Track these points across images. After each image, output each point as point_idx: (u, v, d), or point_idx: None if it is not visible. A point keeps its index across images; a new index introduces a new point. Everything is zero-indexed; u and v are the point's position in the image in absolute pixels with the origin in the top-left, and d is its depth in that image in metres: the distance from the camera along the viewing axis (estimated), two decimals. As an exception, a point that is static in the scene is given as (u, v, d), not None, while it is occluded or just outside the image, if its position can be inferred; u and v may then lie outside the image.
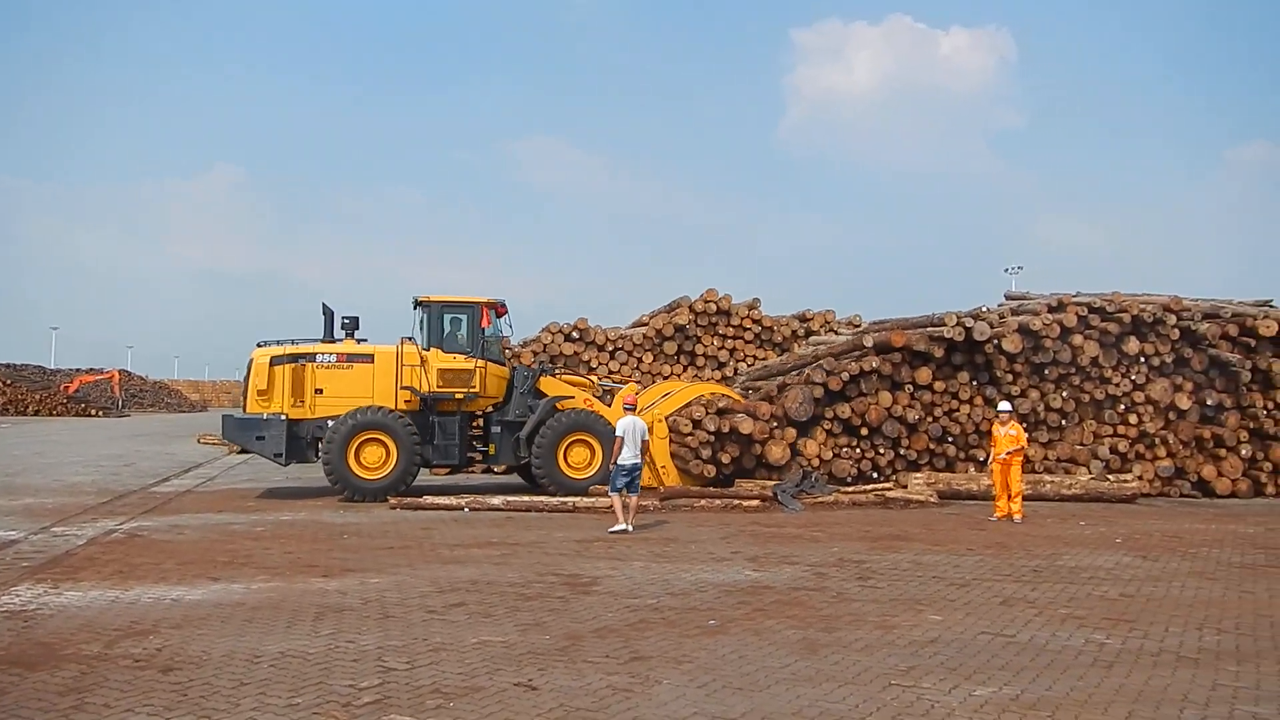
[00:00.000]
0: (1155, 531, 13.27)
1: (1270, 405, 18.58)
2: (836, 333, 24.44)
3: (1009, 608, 8.33)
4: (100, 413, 61.63)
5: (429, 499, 15.06)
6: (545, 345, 25.44)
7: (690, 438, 16.43)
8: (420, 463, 16.08)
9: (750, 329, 26.49)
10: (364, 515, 14.15)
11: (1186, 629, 7.66)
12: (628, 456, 12.72)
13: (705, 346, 26.12)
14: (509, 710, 5.52)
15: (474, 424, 17.11)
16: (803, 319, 26.99)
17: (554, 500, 15.00)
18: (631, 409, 13.43)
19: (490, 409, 17.00)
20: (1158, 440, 18.28)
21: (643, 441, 12.97)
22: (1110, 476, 17.35)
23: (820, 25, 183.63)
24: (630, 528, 12.57)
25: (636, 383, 24.20)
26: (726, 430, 16.43)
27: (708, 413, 16.67)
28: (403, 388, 16.23)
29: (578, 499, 15.17)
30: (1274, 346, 18.79)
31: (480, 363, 16.43)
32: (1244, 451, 18.32)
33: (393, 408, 16.06)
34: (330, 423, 15.86)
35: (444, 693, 5.83)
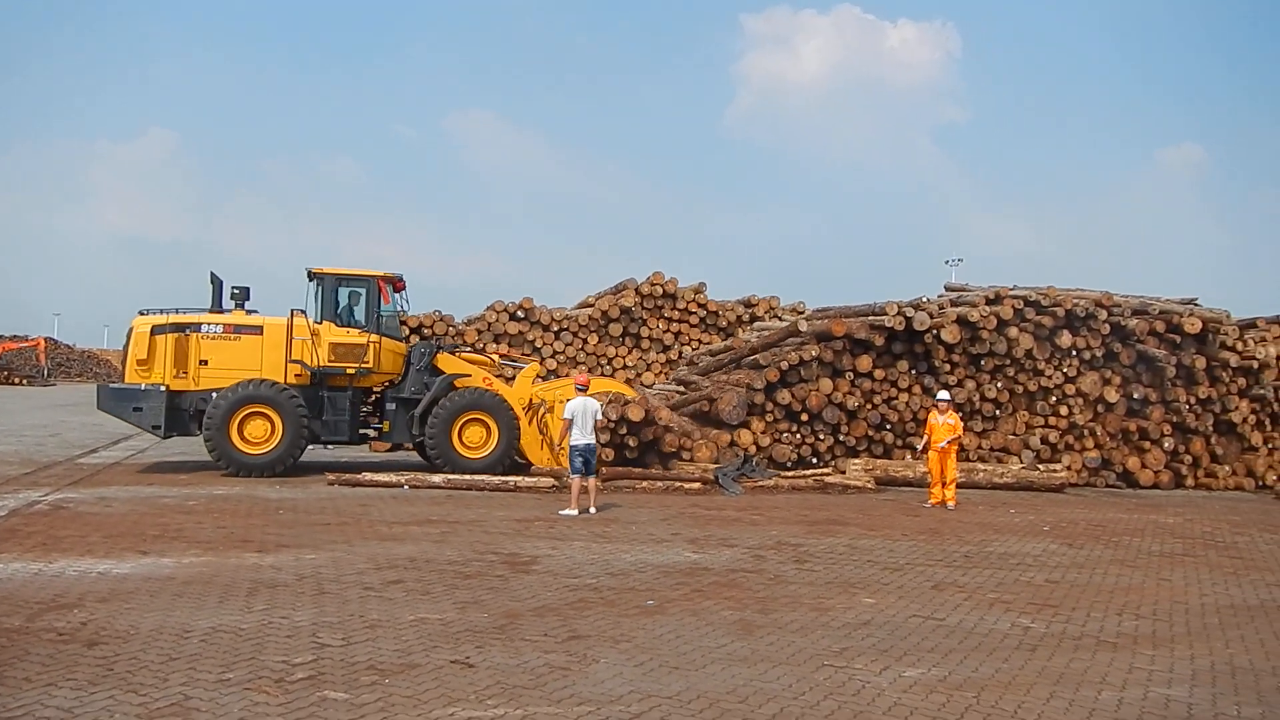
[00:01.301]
0: (1081, 520, 13.68)
1: (1192, 400, 19.22)
2: (780, 319, 24.66)
3: (940, 592, 8.53)
4: (24, 381, 59.71)
5: (367, 475, 14.88)
6: (490, 324, 25.26)
7: (563, 422, 16.29)
8: (307, 439, 15.75)
9: (696, 313, 26.61)
10: (300, 490, 13.94)
11: (1107, 614, 7.93)
12: (579, 438, 12.63)
13: (651, 329, 26.17)
14: (445, 687, 5.50)
15: (368, 400, 16.89)
16: (748, 304, 27.18)
17: (495, 479, 14.93)
18: (583, 390, 13.36)
19: (386, 385, 16.77)
20: (1086, 432, 18.81)
21: (595, 421, 12.91)
22: (1040, 466, 17.81)
23: (770, 12, 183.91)
24: (593, 510, 12.54)
25: (573, 367, 24.16)
26: (619, 417, 16.36)
27: (610, 402, 16.65)
28: (291, 361, 15.89)
29: (519, 478, 15.12)
30: (1197, 343, 19.41)
31: (374, 338, 16.17)
32: (1167, 444, 18.95)
33: (281, 381, 15.72)
34: (215, 395, 15.49)
35: (379, 669, 5.79)
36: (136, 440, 21.70)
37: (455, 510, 12.55)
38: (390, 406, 16.52)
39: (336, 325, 16.16)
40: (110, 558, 8.77)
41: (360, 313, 16.40)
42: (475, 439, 16.12)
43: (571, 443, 12.66)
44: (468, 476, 15.02)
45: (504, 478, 15.07)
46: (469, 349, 20.59)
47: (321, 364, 15.91)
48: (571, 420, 12.65)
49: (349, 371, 16.08)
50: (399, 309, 17.42)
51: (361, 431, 16.81)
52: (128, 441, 21.53)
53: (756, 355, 18.29)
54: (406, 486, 14.52)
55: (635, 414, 15.88)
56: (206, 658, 5.89)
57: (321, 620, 6.85)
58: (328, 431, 16.18)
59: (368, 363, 16.08)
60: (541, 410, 16.59)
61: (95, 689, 5.29)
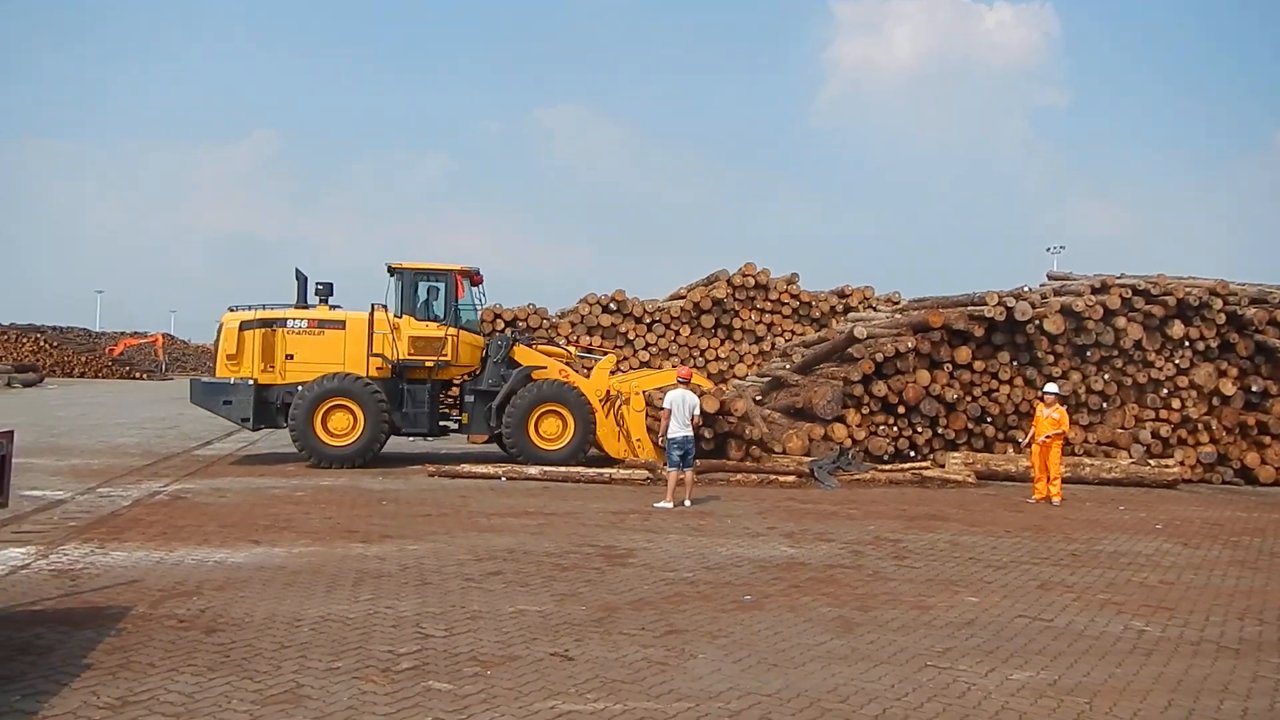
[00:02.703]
0: (1196, 518, 13.08)
1: (1320, 392, 18.15)
2: (875, 309, 24.21)
3: (1046, 591, 8.27)
4: (144, 376, 62.64)
5: (466, 467, 15.20)
6: (583, 316, 25.50)
7: (663, 413, 16.30)
8: (388, 431, 16.04)
9: (788, 304, 26.34)
10: (402, 482, 14.31)
11: (1227, 618, 7.56)
12: (676, 430, 12.66)
13: (743, 320, 26.02)
14: (545, 680, 5.58)
15: (448, 393, 17.12)
16: (841, 295, 26.80)
17: (590, 471, 15.06)
18: (685, 382, 13.35)
19: (465, 378, 17.02)
20: (1200, 426, 17.96)
21: (693, 415, 12.88)
22: (1151, 461, 17.10)
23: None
24: (688, 502, 12.57)
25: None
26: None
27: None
28: (373, 355, 16.25)
29: (614, 470, 15.21)
30: (1325, 332, 18.32)
31: (452, 331, 16.44)
32: (1290, 439, 17.95)
33: (363, 375, 16.07)
34: (299, 389, 15.89)
35: (481, 660, 5.90)
36: (248, 432, 22.55)
37: (551, 502, 12.71)
38: (469, 399, 16.81)
39: (416, 319, 16.53)
40: (225, 547, 9.16)
41: (439, 306, 16.75)
42: (551, 431, 16.29)
43: (669, 435, 12.68)
44: (563, 469, 15.17)
45: (599, 469, 15.18)
46: (547, 341, 20.75)
47: (401, 357, 16.29)
48: (671, 411, 12.67)
49: (428, 364, 16.42)
50: (477, 302, 17.71)
51: (441, 424, 17.17)
52: (240, 434, 22.40)
53: (819, 363, 17.99)
54: (504, 479, 14.77)
55: (710, 405, 15.84)
56: (316, 646, 6.09)
57: (425, 611, 7.02)
58: (407, 424, 16.53)
59: (446, 356, 16.39)
60: (618, 402, 16.65)
61: (214, 675, 5.52)
